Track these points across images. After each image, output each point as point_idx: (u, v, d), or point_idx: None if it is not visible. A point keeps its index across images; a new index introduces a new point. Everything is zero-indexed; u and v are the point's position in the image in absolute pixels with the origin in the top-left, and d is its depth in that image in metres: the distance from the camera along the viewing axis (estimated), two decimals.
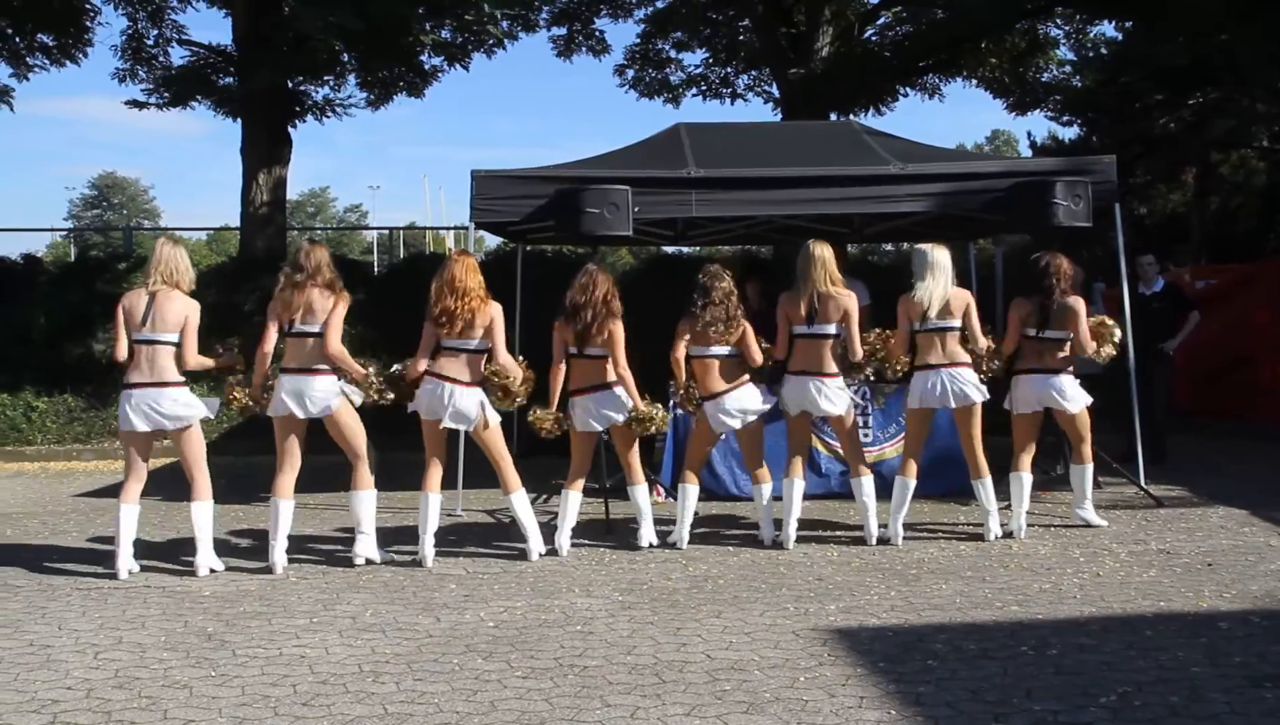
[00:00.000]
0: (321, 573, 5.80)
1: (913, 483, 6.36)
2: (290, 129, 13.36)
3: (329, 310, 5.84)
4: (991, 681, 3.96)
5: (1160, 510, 7.11)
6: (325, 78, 13.60)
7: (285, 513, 5.89)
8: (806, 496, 7.10)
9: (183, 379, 5.77)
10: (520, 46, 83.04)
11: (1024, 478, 6.43)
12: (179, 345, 5.70)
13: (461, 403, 5.88)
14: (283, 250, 13.69)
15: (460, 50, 13.32)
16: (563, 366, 6.20)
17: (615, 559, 6.08)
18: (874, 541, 6.26)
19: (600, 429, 6.21)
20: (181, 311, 5.70)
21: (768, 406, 6.28)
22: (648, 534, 6.31)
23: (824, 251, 6.24)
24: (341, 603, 5.19)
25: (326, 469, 6.93)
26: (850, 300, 6.25)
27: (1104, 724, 3.55)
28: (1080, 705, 3.69)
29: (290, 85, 13.13)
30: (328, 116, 13.29)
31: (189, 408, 5.74)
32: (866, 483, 6.31)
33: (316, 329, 5.82)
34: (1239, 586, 5.19)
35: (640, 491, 6.30)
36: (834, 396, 6.21)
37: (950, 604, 5.03)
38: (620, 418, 6.11)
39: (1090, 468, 6.60)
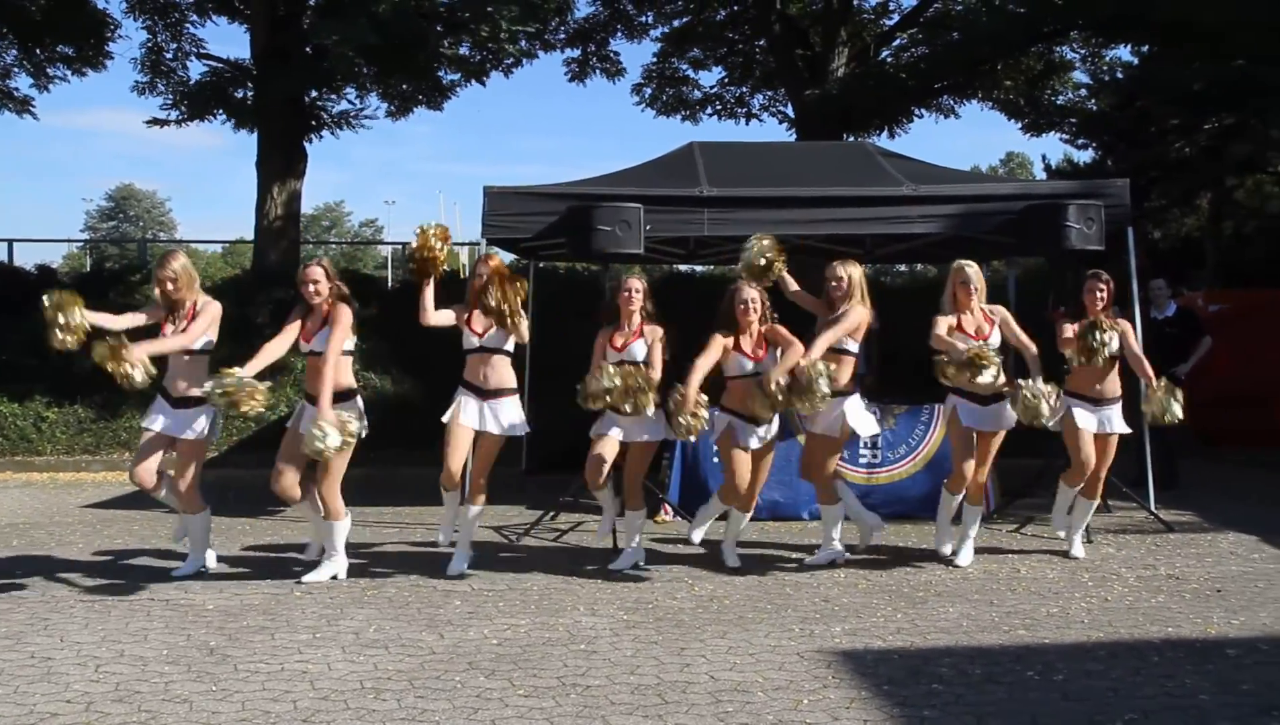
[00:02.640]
0: (326, 587, 5.79)
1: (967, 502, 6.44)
2: (306, 143, 13.47)
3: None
4: (997, 706, 3.92)
5: (1170, 535, 7.05)
6: (343, 91, 13.71)
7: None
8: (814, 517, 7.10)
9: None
10: (540, 64, 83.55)
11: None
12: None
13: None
14: (296, 263, 13.78)
15: (479, 67, 13.41)
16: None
17: (622, 578, 6.05)
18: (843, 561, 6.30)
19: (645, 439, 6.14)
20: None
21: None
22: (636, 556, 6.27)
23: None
24: (345, 618, 5.18)
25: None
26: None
27: None
28: None
29: (307, 99, 13.24)
30: (343, 129, 13.36)
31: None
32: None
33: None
34: (1248, 613, 5.13)
35: (640, 515, 6.26)
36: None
37: (956, 627, 4.99)
38: (646, 437, 6.07)
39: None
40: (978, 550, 6.52)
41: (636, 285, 6.20)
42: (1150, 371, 6.44)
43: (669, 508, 7.74)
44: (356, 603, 5.48)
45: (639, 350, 6.01)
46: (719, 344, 5.94)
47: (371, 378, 11.76)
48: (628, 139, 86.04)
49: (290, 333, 5.80)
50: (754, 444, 5.99)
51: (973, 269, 6.26)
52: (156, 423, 5.77)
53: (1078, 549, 6.54)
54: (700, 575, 6.06)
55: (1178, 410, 6.32)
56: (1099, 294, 6.42)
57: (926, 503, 7.58)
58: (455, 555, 6.12)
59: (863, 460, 7.72)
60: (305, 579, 5.83)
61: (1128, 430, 6.51)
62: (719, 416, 6.04)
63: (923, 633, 4.90)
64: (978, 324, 6.22)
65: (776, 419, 6.01)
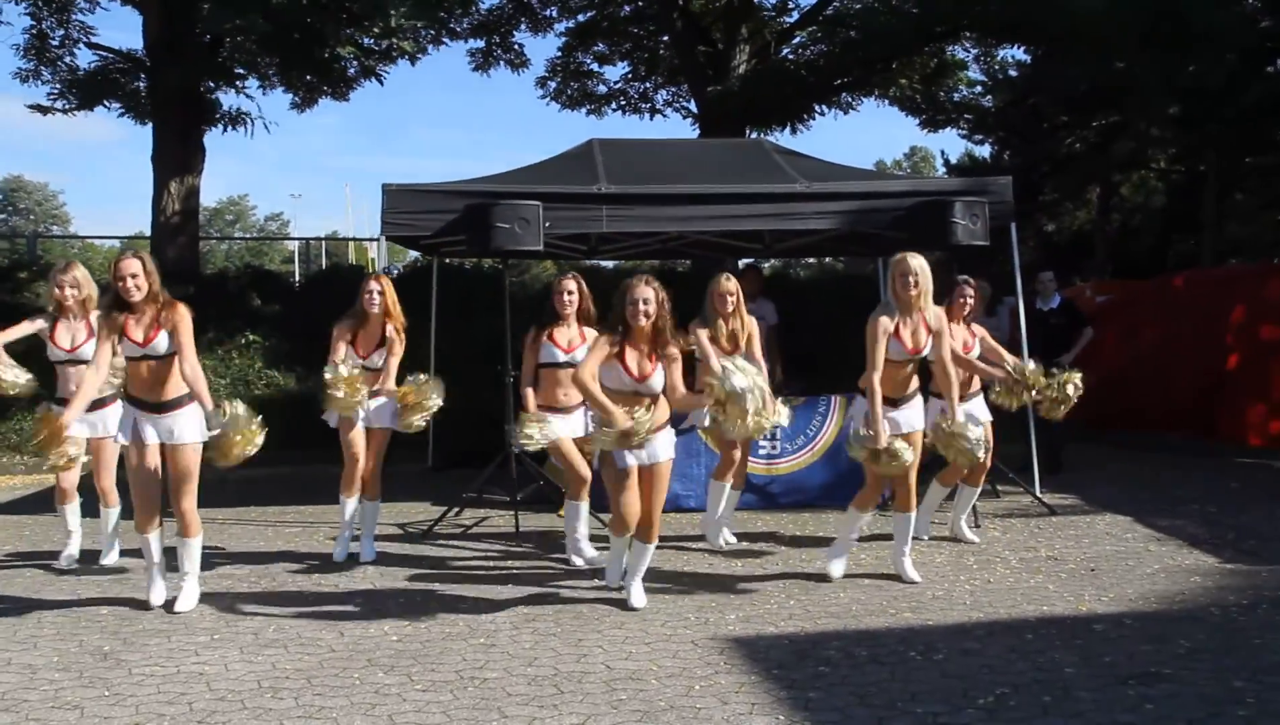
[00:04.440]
0: (222, 588, 5.74)
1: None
2: (204, 136, 13.14)
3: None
4: (879, 686, 4.11)
5: (1052, 518, 7.40)
6: (242, 83, 13.41)
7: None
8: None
9: None
10: (448, 56, 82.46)
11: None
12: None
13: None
14: (195, 260, 13.47)
15: (382, 57, 13.26)
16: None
17: (523, 571, 6.12)
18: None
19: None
20: None
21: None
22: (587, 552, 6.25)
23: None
24: (244, 619, 5.15)
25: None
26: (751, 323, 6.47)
27: (980, 723, 3.71)
28: (960, 707, 3.85)
29: (203, 90, 12.92)
30: (238, 129, 13.06)
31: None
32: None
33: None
34: (1117, 590, 5.45)
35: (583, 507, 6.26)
36: None
37: (846, 611, 5.18)
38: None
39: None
40: (872, 537, 6.74)
41: (571, 286, 6.20)
42: (1004, 369, 6.72)
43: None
44: (256, 603, 5.44)
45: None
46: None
47: (275, 376, 11.57)
48: (534, 133, 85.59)
49: (107, 348, 5.10)
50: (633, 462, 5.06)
51: (916, 260, 5.50)
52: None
53: (969, 533, 6.78)
54: (603, 567, 6.15)
55: (1072, 393, 6.70)
56: (964, 301, 6.67)
57: (825, 492, 7.84)
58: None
59: (762, 452, 7.90)
60: (179, 608, 5.23)
61: (988, 418, 6.78)
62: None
63: (814, 618, 5.08)
64: (914, 328, 5.52)
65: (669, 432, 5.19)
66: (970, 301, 6.78)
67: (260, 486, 8.72)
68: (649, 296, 4.99)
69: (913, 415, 5.69)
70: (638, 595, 5.28)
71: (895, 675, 4.23)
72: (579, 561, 6.17)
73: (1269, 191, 19.15)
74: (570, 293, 6.27)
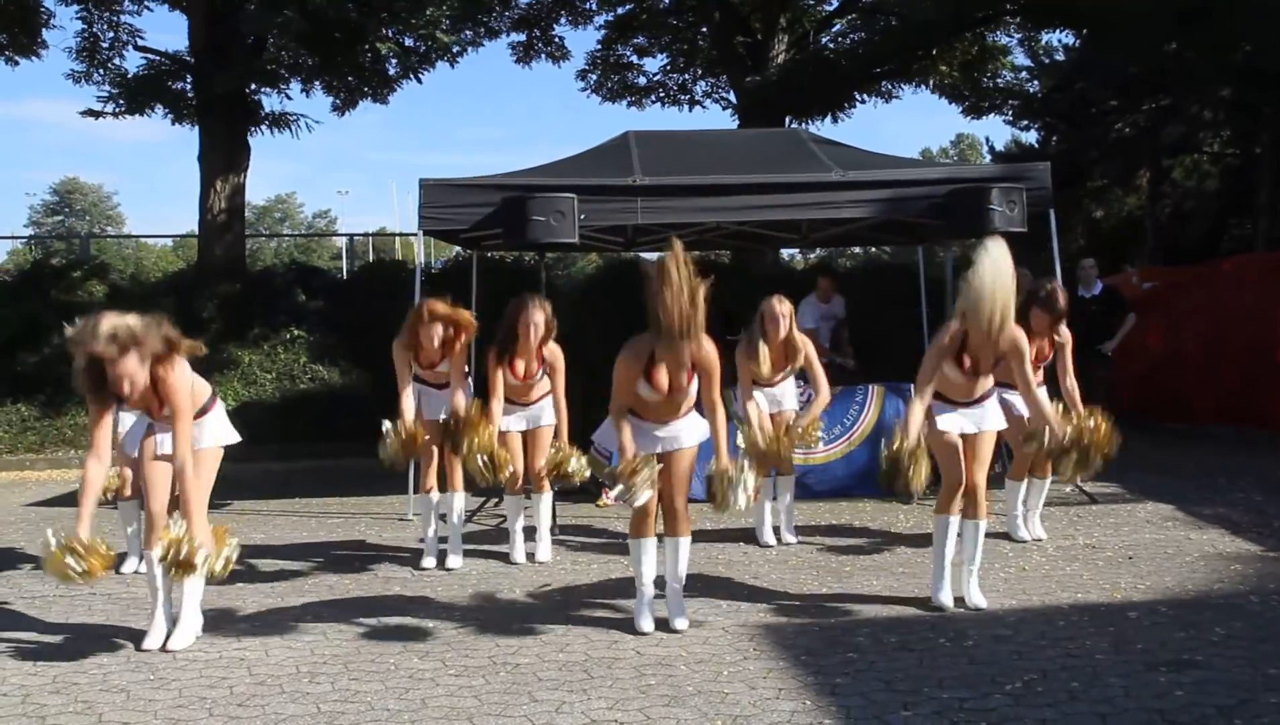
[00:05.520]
0: (267, 578, 5.88)
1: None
2: (249, 137, 13.39)
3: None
4: (906, 672, 4.11)
5: (1093, 507, 7.33)
6: (284, 86, 13.62)
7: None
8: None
9: None
10: (490, 54, 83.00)
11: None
12: None
13: None
14: (242, 257, 13.73)
15: (423, 58, 13.39)
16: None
17: (558, 560, 6.20)
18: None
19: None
20: None
21: None
22: (525, 551, 6.21)
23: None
24: (286, 607, 5.27)
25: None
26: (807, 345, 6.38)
27: (1007, 709, 3.70)
28: (986, 693, 3.85)
29: (248, 92, 13.16)
30: (282, 130, 13.28)
31: None
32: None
33: None
34: (1154, 579, 5.39)
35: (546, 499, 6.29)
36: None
37: (878, 599, 5.19)
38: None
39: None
40: (907, 528, 6.72)
41: (539, 319, 5.75)
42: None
43: (610, 492, 7.87)
44: (297, 592, 5.58)
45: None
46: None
47: (320, 370, 11.79)
48: (575, 127, 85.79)
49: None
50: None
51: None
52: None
53: (1039, 529, 6.47)
54: None
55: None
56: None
57: (860, 481, 7.84)
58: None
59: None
60: (172, 646, 4.62)
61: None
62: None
63: (845, 605, 5.10)
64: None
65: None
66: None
67: (302, 478, 8.91)
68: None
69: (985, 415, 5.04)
70: (679, 617, 4.76)
71: (923, 662, 4.23)
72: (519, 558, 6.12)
73: None
74: (537, 327, 5.79)
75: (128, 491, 6.14)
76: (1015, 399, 5.60)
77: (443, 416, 5.86)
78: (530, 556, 6.16)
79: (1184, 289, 11.88)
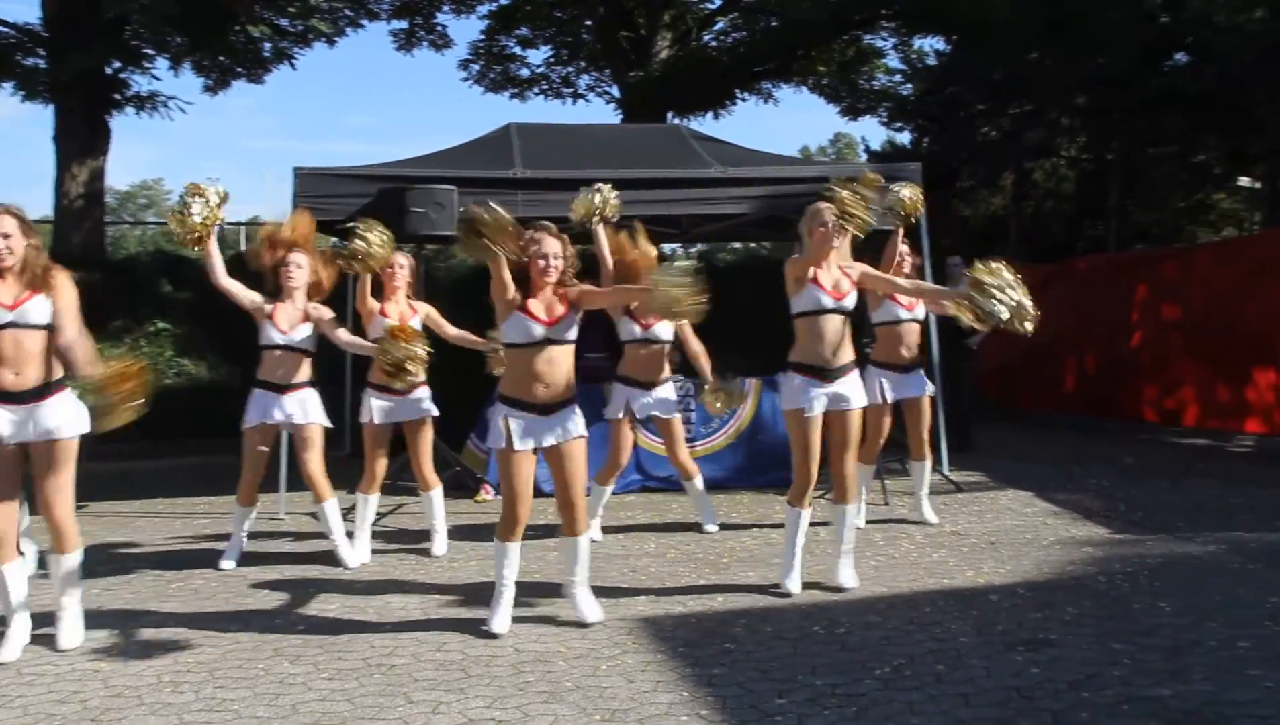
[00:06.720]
0: (127, 582, 5.63)
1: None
2: (109, 117, 12.75)
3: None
4: (782, 660, 4.20)
5: (959, 495, 7.62)
6: (149, 65, 13.03)
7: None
8: (631, 491, 7.34)
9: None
10: (371, 40, 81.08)
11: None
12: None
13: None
14: (102, 245, 13.09)
15: (299, 39, 13.00)
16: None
17: (435, 558, 6.11)
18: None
19: None
20: None
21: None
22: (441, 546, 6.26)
23: None
24: (147, 613, 5.05)
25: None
26: None
27: (877, 693, 3.81)
28: (858, 678, 3.96)
29: (110, 71, 12.53)
30: (150, 111, 12.70)
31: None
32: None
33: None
34: (1014, 562, 5.64)
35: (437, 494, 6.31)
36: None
37: (754, 589, 5.28)
38: None
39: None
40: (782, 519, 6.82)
41: (401, 261, 6.18)
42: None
43: (489, 487, 7.82)
44: (159, 597, 5.35)
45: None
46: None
47: (186, 364, 11.34)
48: (458, 118, 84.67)
49: None
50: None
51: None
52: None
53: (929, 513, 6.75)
54: None
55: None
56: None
57: (739, 474, 7.96)
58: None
59: None
60: (63, 645, 4.51)
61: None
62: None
63: (723, 596, 5.17)
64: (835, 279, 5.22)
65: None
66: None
67: (167, 477, 8.56)
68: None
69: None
70: (589, 608, 4.76)
71: (798, 650, 4.32)
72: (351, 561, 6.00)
73: (1170, 180, 19.83)
74: (400, 266, 6.19)
75: None
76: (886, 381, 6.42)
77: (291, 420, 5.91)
78: (427, 553, 6.19)
79: (1044, 285, 12.43)
